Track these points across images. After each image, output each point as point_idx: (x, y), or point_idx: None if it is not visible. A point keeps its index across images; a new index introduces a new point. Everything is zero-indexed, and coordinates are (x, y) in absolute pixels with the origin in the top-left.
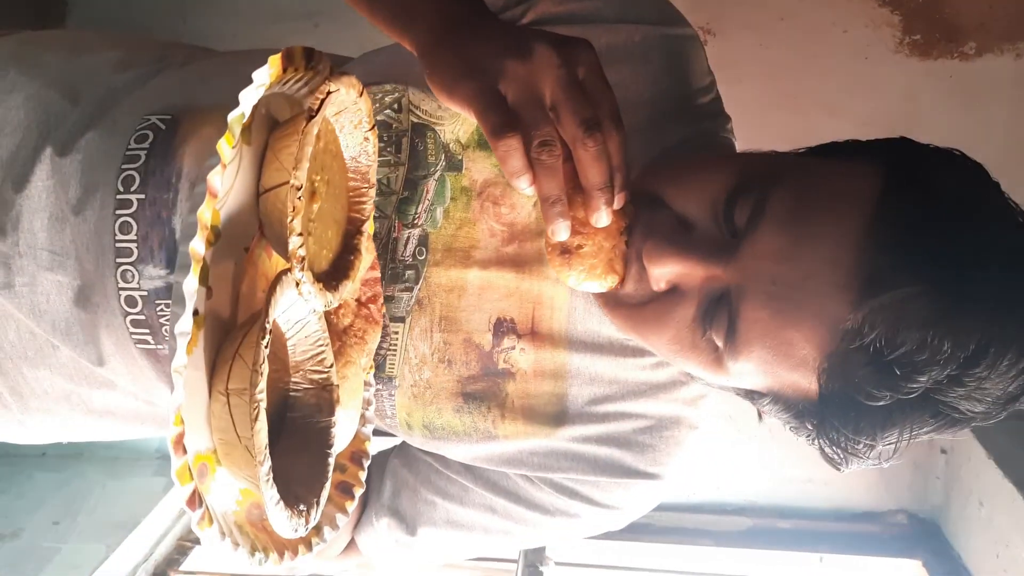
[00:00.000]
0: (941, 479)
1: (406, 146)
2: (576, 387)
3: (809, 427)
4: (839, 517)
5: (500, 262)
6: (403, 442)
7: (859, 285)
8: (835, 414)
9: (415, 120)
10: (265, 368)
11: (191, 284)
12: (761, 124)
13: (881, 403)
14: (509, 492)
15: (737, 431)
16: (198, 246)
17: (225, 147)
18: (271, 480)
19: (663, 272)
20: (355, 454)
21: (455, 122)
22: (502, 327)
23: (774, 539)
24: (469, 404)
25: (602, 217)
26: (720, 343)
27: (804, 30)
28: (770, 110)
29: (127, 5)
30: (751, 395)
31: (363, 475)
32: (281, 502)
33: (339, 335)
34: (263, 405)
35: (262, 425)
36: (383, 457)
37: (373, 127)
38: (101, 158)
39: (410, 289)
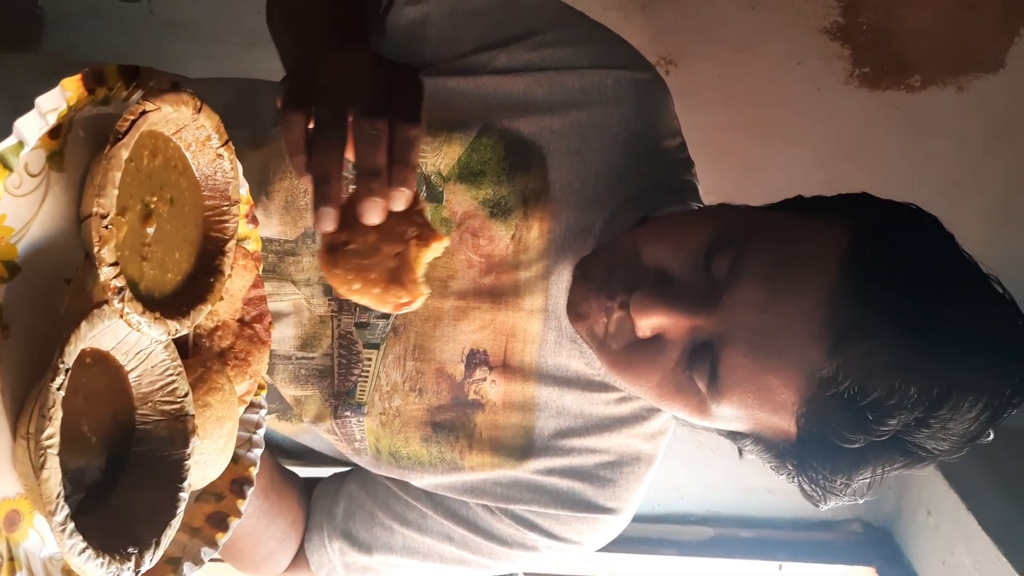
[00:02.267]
0: (894, 489)
1: None
2: (543, 420)
3: (789, 467)
4: (797, 526)
5: (477, 293)
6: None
7: (832, 336)
8: (813, 455)
9: None
10: (56, 412)
11: None
12: (720, 149)
13: (855, 445)
14: (468, 522)
15: (700, 443)
16: None
17: None
18: (68, 529)
19: (650, 323)
20: (236, 481)
21: (437, 155)
22: (475, 358)
23: (736, 548)
24: (437, 433)
25: (369, 209)
26: (703, 387)
27: (761, 61)
28: (729, 136)
29: (104, 27)
30: (734, 436)
31: (243, 504)
32: (88, 551)
33: (212, 359)
34: (52, 452)
35: (51, 472)
36: (338, 479)
37: (226, 142)
38: None
39: (386, 316)
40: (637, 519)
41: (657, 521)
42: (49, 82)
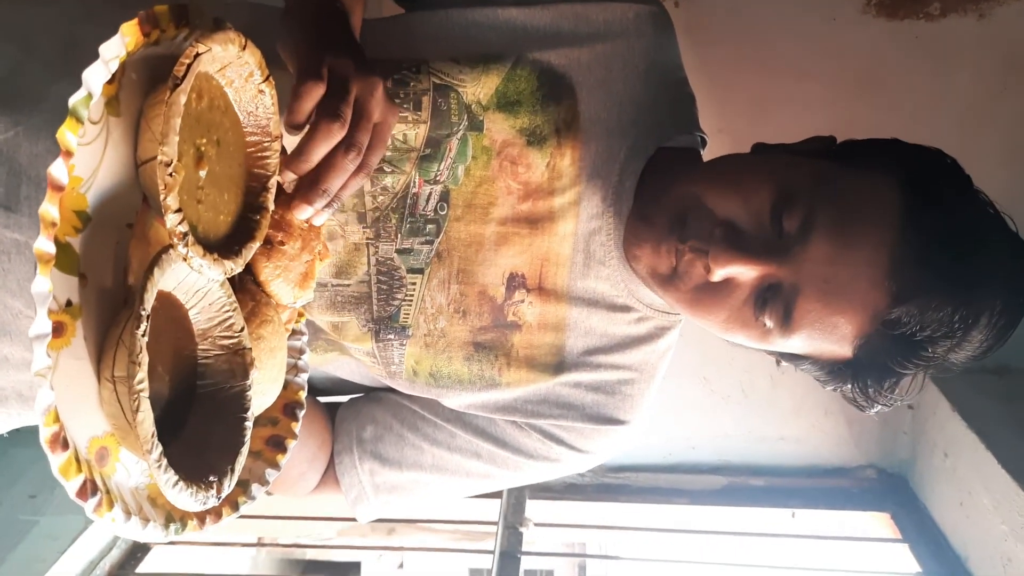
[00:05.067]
0: (908, 434)
1: (427, 105)
2: (573, 339)
3: (840, 381)
4: (811, 473)
5: (516, 219)
6: (383, 390)
7: (894, 287)
8: (866, 374)
9: (437, 81)
10: (144, 357)
11: (41, 286)
12: (729, 85)
13: (907, 371)
14: (496, 438)
15: (712, 392)
16: (45, 245)
17: (68, 136)
18: (163, 465)
19: (726, 271)
20: (288, 406)
21: (476, 85)
22: (514, 281)
23: (748, 496)
24: (479, 352)
25: (311, 217)
26: (771, 324)
27: None
28: (738, 71)
29: None
30: (789, 357)
31: (296, 426)
32: (180, 483)
33: (259, 292)
34: (144, 395)
35: (145, 415)
36: (359, 403)
37: (267, 78)
38: None
39: (430, 242)
40: (648, 468)
41: (669, 471)
42: (32, 8)
